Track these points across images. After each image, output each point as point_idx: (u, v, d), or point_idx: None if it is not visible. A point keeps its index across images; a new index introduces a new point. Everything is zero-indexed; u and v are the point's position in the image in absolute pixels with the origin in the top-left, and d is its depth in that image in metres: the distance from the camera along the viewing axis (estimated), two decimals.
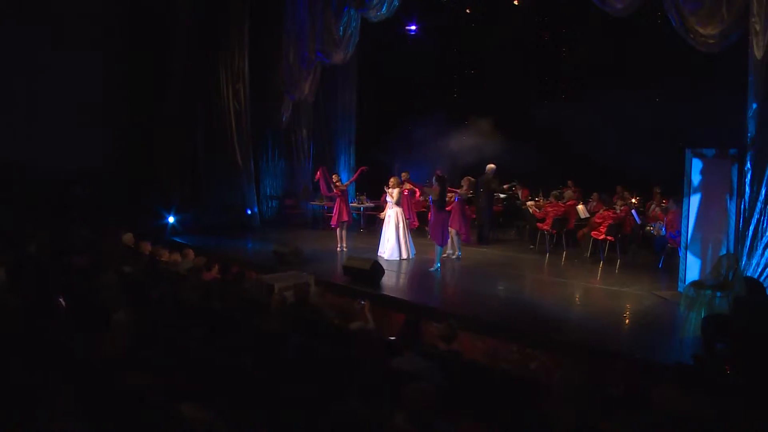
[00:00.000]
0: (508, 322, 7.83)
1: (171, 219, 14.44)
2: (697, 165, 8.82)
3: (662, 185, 13.91)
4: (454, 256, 11.76)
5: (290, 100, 15.69)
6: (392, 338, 6.34)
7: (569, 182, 15.77)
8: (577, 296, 9.10)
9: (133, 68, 14.85)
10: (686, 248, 8.99)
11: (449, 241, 11.64)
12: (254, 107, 15.75)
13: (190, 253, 9.85)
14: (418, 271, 10.84)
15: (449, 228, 11.44)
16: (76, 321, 5.49)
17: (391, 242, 11.71)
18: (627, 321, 7.96)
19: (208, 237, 14.01)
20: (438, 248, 10.88)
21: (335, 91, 17.56)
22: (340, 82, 17.53)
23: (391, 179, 11.94)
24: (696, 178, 8.84)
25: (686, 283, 8.88)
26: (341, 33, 14.10)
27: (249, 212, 15.75)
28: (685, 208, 9.01)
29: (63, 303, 6.23)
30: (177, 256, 9.77)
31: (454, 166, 16.89)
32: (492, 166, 13.98)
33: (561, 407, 4.13)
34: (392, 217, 11.80)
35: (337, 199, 12.77)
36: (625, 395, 4.49)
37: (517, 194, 16.33)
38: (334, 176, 13.02)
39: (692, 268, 8.89)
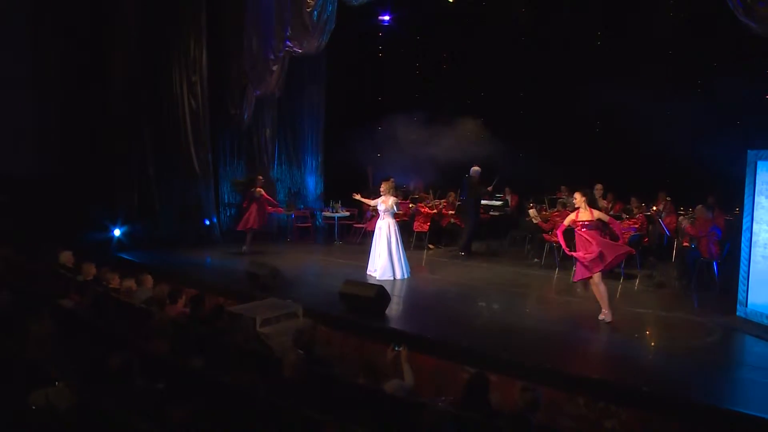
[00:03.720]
0: (556, 362, 6.23)
1: (117, 232, 12.38)
2: (763, 167, 7.45)
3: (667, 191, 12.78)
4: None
5: (254, 95, 13.81)
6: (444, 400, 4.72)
7: (562, 187, 14.47)
8: (626, 326, 7.54)
9: (68, 57, 12.63)
10: (748, 265, 7.62)
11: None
12: (212, 103, 13.80)
13: (148, 279, 7.92)
14: (420, 296, 9.18)
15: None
16: None
17: (383, 259, 10.01)
18: (705, 359, 6.45)
19: (161, 253, 12.06)
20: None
21: (302, 86, 15.77)
22: (307, 77, 15.76)
23: (383, 184, 10.26)
24: (762, 183, 7.47)
25: (747, 307, 7.57)
26: (315, 18, 12.32)
27: (207, 223, 13.78)
28: (746, 218, 7.65)
29: None
30: (131, 283, 7.82)
31: (436, 169, 15.40)
32: (477, 168, 12.48)
33: None
34: (383, 229, 10.12)
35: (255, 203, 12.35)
36: None
37: (507, 200, 14.92)
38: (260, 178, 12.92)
39: (758, 290, 7.50)
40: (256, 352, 5.61)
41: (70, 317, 5.96)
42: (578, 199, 7.87)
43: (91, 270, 8.32)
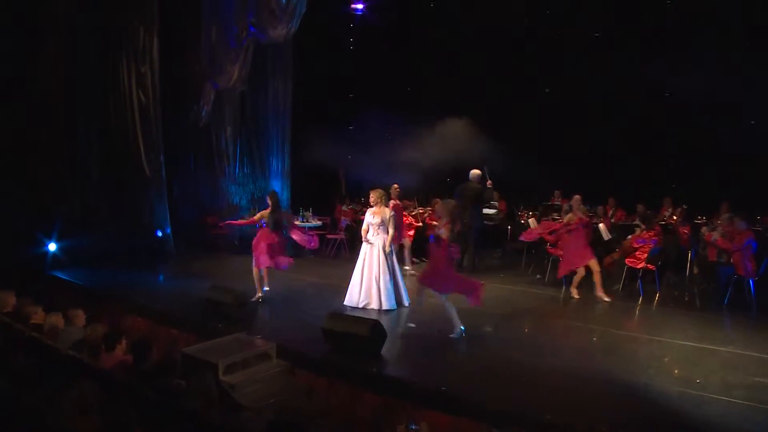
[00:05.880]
0: (614, 427, 4.83)
1: (52, 246, 10.64)
2: None
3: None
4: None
5: (213, 89, 12.20)
6: None
7: (556, 192, 13.28)
8: (679, 366, 6.17)
9: None
10: None
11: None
12: (165, 98, 12.11)
13: (80, 314, 6.30)
14: (416, 328, 7.62)
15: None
16: None
17: (384, 285, 8.31)
18: None
19: (103, 271, 10.36)
20: None
21: (266, 80, 14.16)
22: (272, 70, 14.15)
23: (372, 193, 8.53)
24: None
25: None
26: (284, 1, 10.81)
27: (160, 234, 12.07)
28: None
29: None
30: (57, 319, 6.20)
31: (416, 172, 13.98)
32: (477, 171, 11.05)
33: None
34: (377, 247, 8.48)
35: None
36: None
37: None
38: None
39: None
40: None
41: None
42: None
43: (9, 300, 6.68)
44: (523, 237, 10.06)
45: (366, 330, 6.11)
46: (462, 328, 7.04)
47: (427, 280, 7.34)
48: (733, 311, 8.24)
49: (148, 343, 5.30)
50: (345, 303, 8.43)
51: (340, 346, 6.28)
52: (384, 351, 6.28)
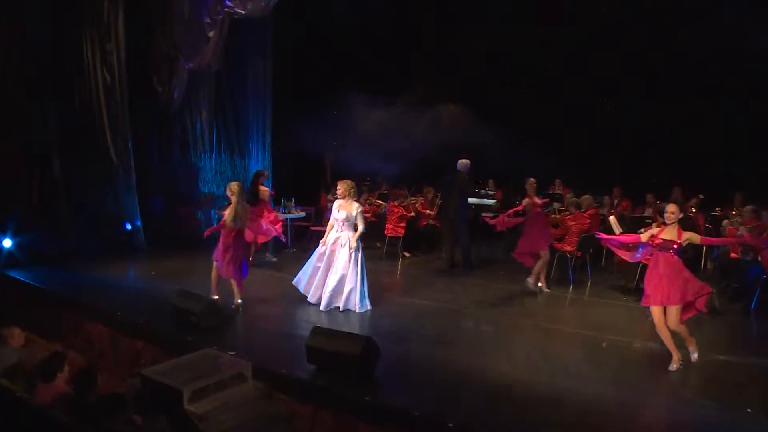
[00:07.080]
0: None
1: (7, 242, 9.66)
2: None
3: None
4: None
5: (185, 68, 11.20)
6: None
7: (557, 181, 12.50)
8: (718, 389, 5.30)
9: None
10: None
11: None
12: (133, 79, 11.11)
13: (16, 333, 5.36)
14: (407, 337, 6.68)
15: None
16: None
17: (349, 286, 7.41)
18: None
19: (66, 269, 9.45)
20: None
21: (244, 59, 13.10)
22: (251, 48, 13.08)
23: (340, 184, 7.61)
24: None
25: None
26: None
27: (128, 227, 11.12)
28: None
29: None
30: None
31: (406, 159, 13.06)
32: (465, 161, 10.20)
33: None
34: (345, 246, 7.57)
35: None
36: None
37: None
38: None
39: None
40: None
41: None
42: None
43: None
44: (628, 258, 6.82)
45: (357, 348, 5.22)
46: (240, 301, 7.44)
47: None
48: (763, 316, 7.45)
49: (92, 373, 4.39)
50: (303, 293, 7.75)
51: (327, 366, 5.39)
52: (378, 372, 5.39)
